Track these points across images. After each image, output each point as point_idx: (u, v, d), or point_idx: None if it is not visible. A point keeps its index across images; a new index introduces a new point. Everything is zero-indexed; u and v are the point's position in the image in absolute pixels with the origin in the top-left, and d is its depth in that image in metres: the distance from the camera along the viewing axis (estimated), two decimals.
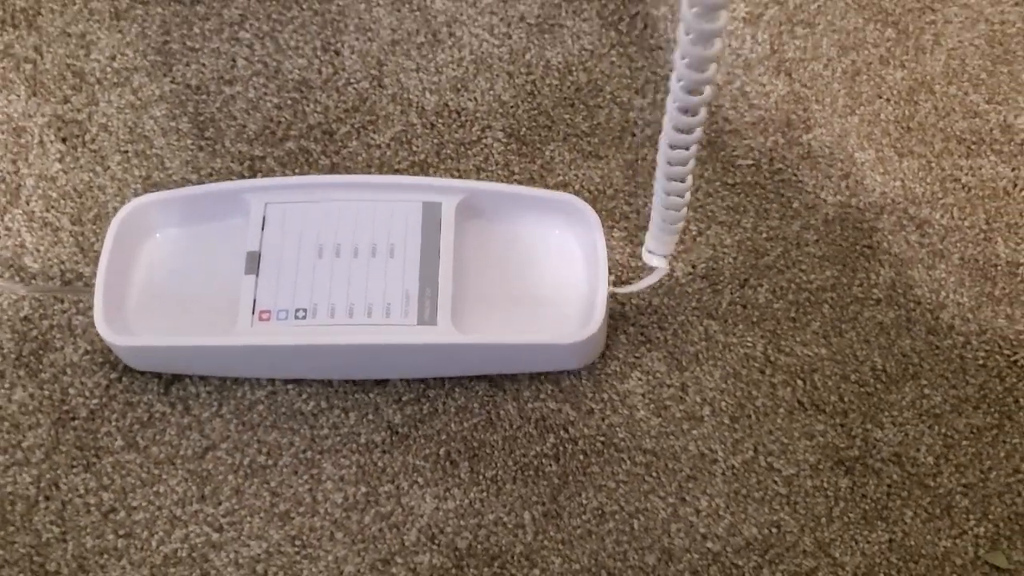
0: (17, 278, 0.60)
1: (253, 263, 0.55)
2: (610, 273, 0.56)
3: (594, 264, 0.56)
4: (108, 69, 0.65)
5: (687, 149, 0.44)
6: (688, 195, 0.47)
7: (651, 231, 0.51)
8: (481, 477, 0.56)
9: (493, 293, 0.57)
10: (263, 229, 0.56)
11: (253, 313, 0.54)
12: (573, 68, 0.66)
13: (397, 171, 0.63)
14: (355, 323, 0.54)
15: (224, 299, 0.56)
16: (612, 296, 0.57)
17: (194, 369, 0.57)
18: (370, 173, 0.62)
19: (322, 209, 0.57)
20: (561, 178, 0.62)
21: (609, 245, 0.61)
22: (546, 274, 0.58)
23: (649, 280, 0.55)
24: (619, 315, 0.59)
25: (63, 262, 0.60)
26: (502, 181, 0.62)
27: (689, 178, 0.46)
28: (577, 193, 0.62)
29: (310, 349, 0.54)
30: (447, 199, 0.57)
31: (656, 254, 0.52)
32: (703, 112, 0.42)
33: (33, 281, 0.59)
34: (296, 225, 0.56)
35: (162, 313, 0.56)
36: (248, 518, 0.54)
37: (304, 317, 0.54)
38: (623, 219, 0.62)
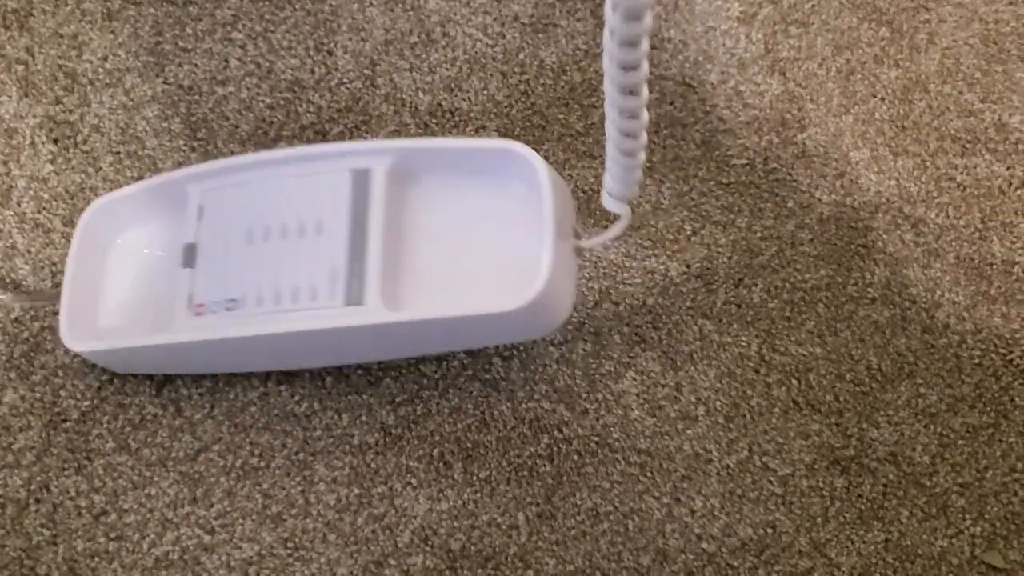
0: (8, 279, 0.59)
1: (190, 255, 0.53)
2: (581, 236, 0.51)
3: (541, 216, 0.49)
4: (100, 70, 0.65)
5: (636, 70, 0.38)
6: (645, 124, 0.42)
7: (608, 172, 0.46)
8: (475, 478, 0.55)
9: (432, 264, 0.52)
10: (200, 219, 0.53)
11: (189, 308, 0.52)
12: (567, 68, 0.65)
13: None
14: (281, 310, 0.50)
15: (165, 298, 0.54)
16: (578, 252, 0.52)
17: (154, 369, 0.56)
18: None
19: (254, 190, 0.53)
20: None
21: (603, 245, 0.60)
22: (491, 235, 0.52)
23: (614, 230, 0.50)
24: (613, 315, 0.59)
25: (54, 264, 0.60)
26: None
27: (644, 104, 0.41)
28: (572, 193, 0.62)
29: (238, 342, 0.50)
30: (377, 163, 0.52)
31: (616, 198, 0.47)
32: (648, 17, 0.36)
33: (24, 283, 0.59)
34: (229, 210, 0.53)
35: (119, 317, 0.55)
36: (240, 520, 0.54)
37: (234, 308, 0.50)
38: (617, 218, 0.61)
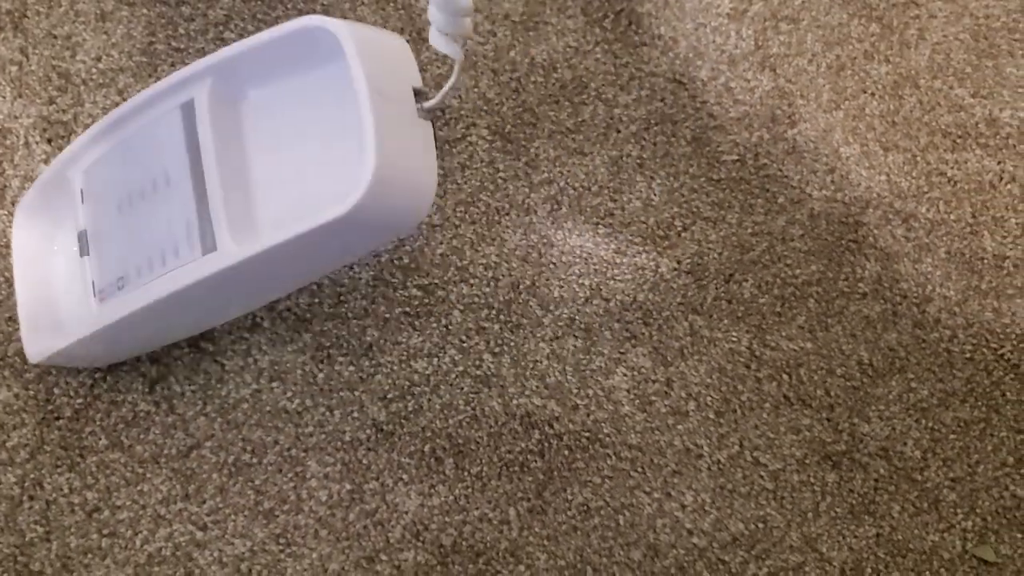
0: (2, 278, 0.60)
1: (84, 243, 0.51)
2: (429, 97, 0.47)
3: (359, 91, 0.44)
4: (94, 70, 0.65)
5: None
6: None
7: (432, 3, 0.42)
8: (466, 473, 0.55)
9: (278, 183, 0.48)
10: (83, 202, 0.50)
11: (94, 295, 0.50)
12: (558, 65, 0.66)
13: None
14: (155, 276, 0.47)
15: (74, 291, 0.52)
16: (425, 115, 0.46)
17: (103, 361, 0.55)
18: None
19: (114, 156, 0.50)
20: (546, 175, 0.62)
21: (593, 242, 0.61)
22: (327, 133, 0.48)
23: (451, 81, 0.45)
24: (604, 311, 0.59)
25: None
26: (487, 181, 0.60)
27: None
28: (562, 190, 0.62)
29: (131, 320, 0.48)
30: (198, 91, 0.47)
31: (446, 34, 0.43)
32: None
33: None
34: (101, 185, 0.50)
35: (55, 319, 0.54)
36: (232, 516, 0.54)
37: (124, 286, 0.48)
38: (607, 215, 0.61)
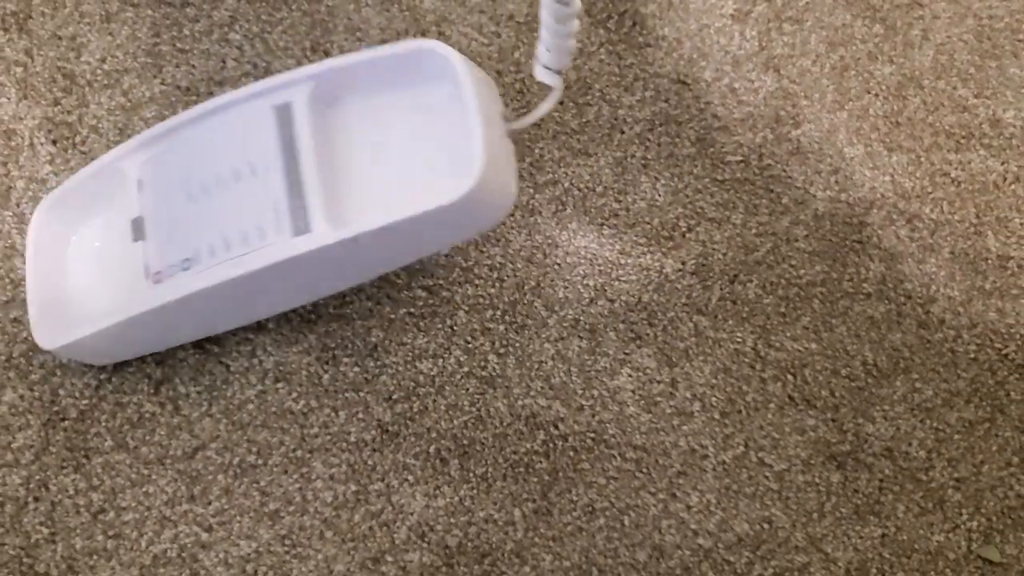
0: (7, 279, 0.60)
1: (139, 228, 0.53)
2: (510, 120, 0.51)
3: (466, 108, 0.50)
4: (98, 71, 0.66)
5: None
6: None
7: (541, 42, 0.47)
8: (471, 474, 0.55)
9: (370, 179, 0.52)
10: (140, 191, 0.53)
11: (147, 278, 0.52)
12: None
13: None
14: (233, 256, 0.50)
15: (122, 275, 0.54)
16: (512, 136, 0.52)
17: (134, 350, 0.56)
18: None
19: (185, 150, 0.53)
20: (550, 175, 0.62)
21: (597, 243, 0.61)
22: (421, 138, 0.53)
23: (546, 105, 0.50)
24: (609, 312, 0.59)
25: None
26: None
27: None
28: (567, 191, 0.62)
29: (202, 296, 0.50)
30: (297, 95, 0.52)
31: (550, 69, 0.48)
32: None
33: (23, 283, 0.59)
34: (165, 175, 0.53)
35: (73, 312, 0.55)
36: (238, 518, 0.54)
37: (189, 267, 0.51)
38: (612, 216, 0.61)
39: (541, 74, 0.48)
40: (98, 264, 0.56)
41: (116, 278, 0.54)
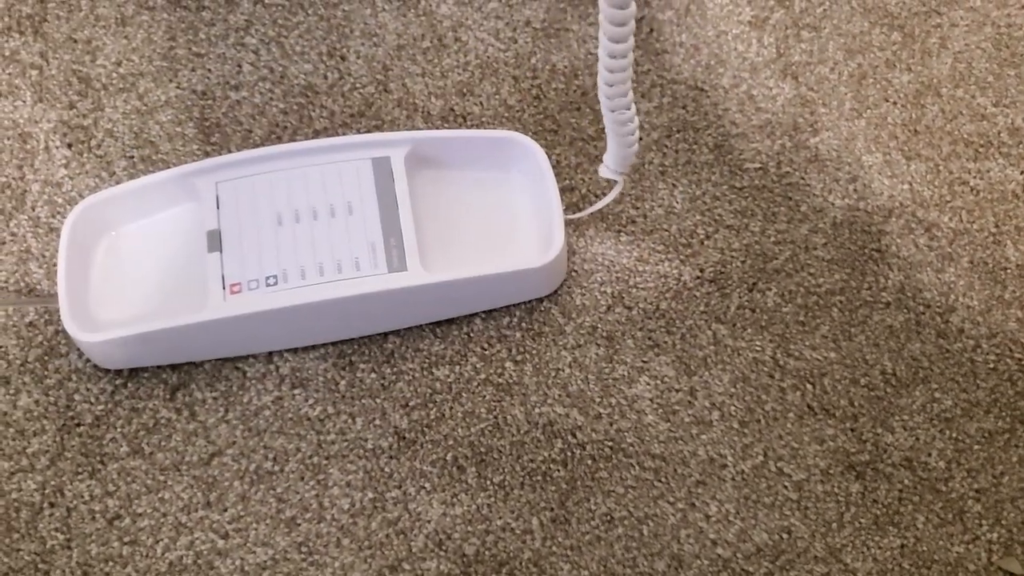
0: (22, 283, 0.59)
1: (215, 241, 0.56)
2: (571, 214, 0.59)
3: (544, 192, 0.58)
4: (114, 75, 0.65)
5: (622, 58, 0.47)
6: (632, 104, 0.50)
7: (609, 146, 0.54)
8: (488, 482, 0.55)
9: (454, 235, 0.59)
10: (218, 208, 0.57)
11: (224, 288, 0.55)
12: (579, 72, 0.65)
13: None
14: (328, 280, 0.55)
15: (191, 281, 0.57)
16: (569, 222, 0.60)
17: (170, 357, 0.57)
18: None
19: (273, 179, 0.58)
20: (567, 182, 0.62)
21: (615, 250, 0.60)
22: (501, 209, 0.60)
23: (607, 198, 0.58)
24: (626, 319, 0.59)
25: None
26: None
27: (629, 86, 0.50)
28: (584, 197, 0.62)
29: (286, 312, 0.54)
30: (394, 152, 0.58)
31: (611, 169, 0.55)
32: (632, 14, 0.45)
33: (38, 287, 0.59)
34: (250, 198, 0.57)
35: (130, 305, 0.57)
36: (254, 525, 0.54)
37: (275, 284, 0.55)
38: (630, 223, 0.61)
39: (605, 172, 0.56)
40: (159, 267, 0.58)
41: (181, 286, 0.57)
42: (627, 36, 0.46)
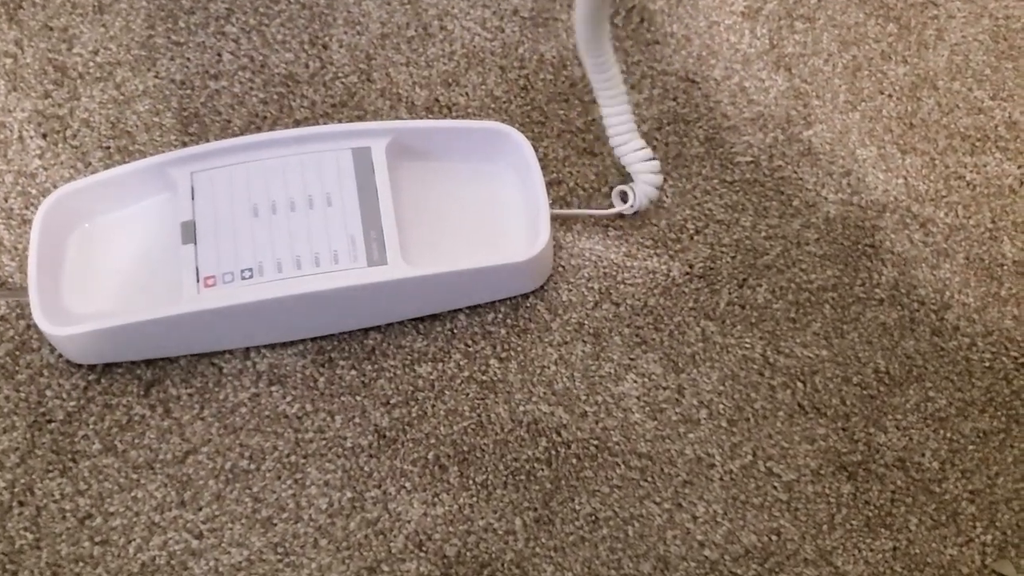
0: None
1: (189, 232, 0.55)
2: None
3: (531, 185, 0.57)
4: (91, 63, 0.64)
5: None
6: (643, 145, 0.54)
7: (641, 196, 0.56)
8: (471, 482, 0.54)
9: (436, 228, 0.57)
10: (193, 198, 0.56)
11: (198, 280, 0.53)
12: (568, 63, 0.64)
13: None
14: (305, 274, 0.53)
15: (165, 274, 0.55)
16: (555, 217, 0.58)
17: (143, 352, 0.55)
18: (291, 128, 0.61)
19: (250, 169, 0.56)
20: (555, 175, 0.61)
21: (603, 245, 0.59)
22: (485, 202, 0.58)
23: (602, 212, 0.58)
24: (614, 316, 0.57)
25: None
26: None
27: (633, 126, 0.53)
28: (572, 191, 0.60)
29: (262, 306, 0.53)
30: (375, 142, 0.57)
31: (632, 203, 0.57)
32: None
33: (10, 280, 0.58)
34: (226, 189, 0.56)
35: (103, 299, 0.56)
36: (229, 524, 0.53)
37: (251, 276, 0.53)
38: (618, 217, 0.60)
39: (619, 205, 0.58)
40: (132, 259, 0.57)
41: (155, 279, 0.56)
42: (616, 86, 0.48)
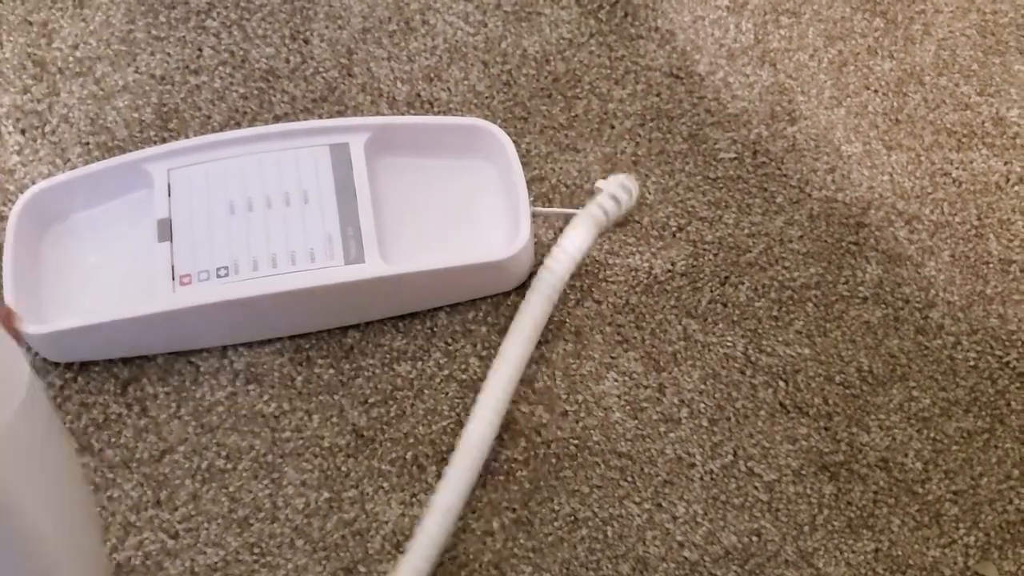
0: None
1: (165, 230, 0.54)
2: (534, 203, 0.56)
3: (512, 182, 0.56)
4: (70, 59, 0.63)
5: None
6: None
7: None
8: None
9: (416, 226, 0.57)
10: (170, 195, 0.55)
11: (173, 279, 0.53)
12: (551, 58, 0.63)
13: None
14: (281, 272, 0.53)
15: (141, 272, 0.55)
16: (536, 214, 0.57)
17: (120, 351, 0.55)
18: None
19: (227, 166, 0.56)
20: (537, 171, 0.60)
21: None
22: (465, 200, 0.58)
23: (572, 212, 0.56)
24: (595, 314, 0.57)
25: None
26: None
27: None
28: (554, 187, 0.60)
29: (237, 305, 0.52)
30: (354, 139, 0.56)
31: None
32: None
33: None
34: (203, 186, 0.55)
35: (78, 297, 0.55)
36: (205, 524, 0.52)
37: (226, 275, 0.53)
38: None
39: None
40: (109, 257, 0.56)
41: (130, 277, 0.55)
42: None
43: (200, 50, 0.63)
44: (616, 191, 0.55)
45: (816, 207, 0.60)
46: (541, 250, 0.58)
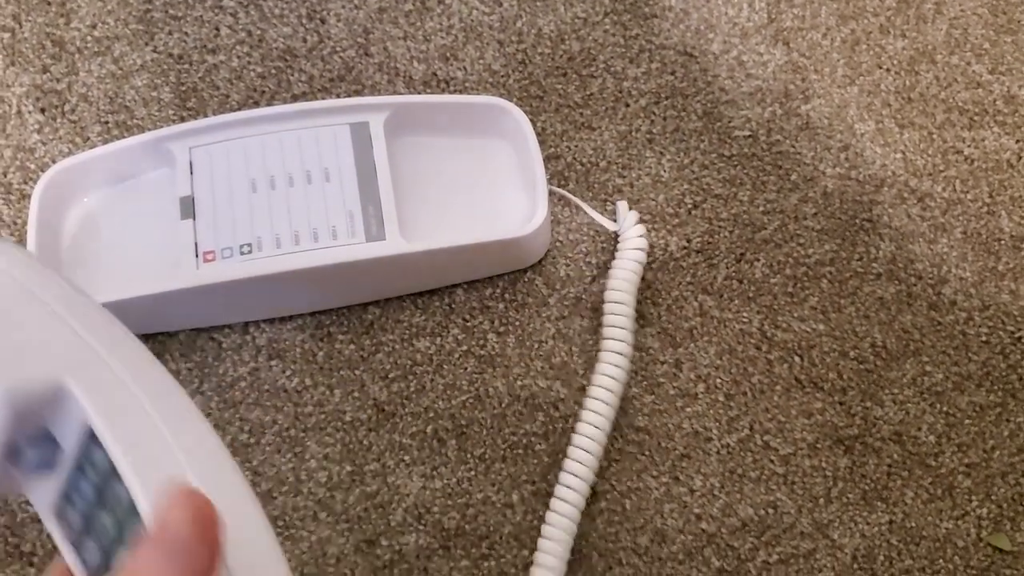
0: None
1: (188, 208, 0.55)
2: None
3: (529, 160, 0.57)
4: (89, 38, 0.64)
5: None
6: None
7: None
8: (469, 456, 0.54)
9: (435, 203, 0.58)
10: (192, 173, 0.56)
11: (197, 256, 0.53)
12: (566, 36, 0.64)
13: None
14: (303, 249, 0.53)
15: (164, 249, 0.55)
16: (553, 192, 0.58)
17: (142, 327, 0.56)
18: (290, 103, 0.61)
19: (248, 145, 0.56)
20: (552, 149, 0.61)
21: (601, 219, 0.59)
22: (483, 178, 0.59)
23: (570, 198, 0.58)
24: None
25: None
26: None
27: None
28: (569, 166, 0.60)
29: (260, 281, 0.53)
30: (373, 118, 0.56)
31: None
32: None
33: None
34: (224, 164, 0.56)
35: (101, 274, 0.56)
36: None
37: (250, 251, 0.53)
38: (616, 192, 0.60)
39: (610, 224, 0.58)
40: (131, 234, 0.57)
41: (154, 254, 0.56)
42: None
43: (217, 29, 0.64)
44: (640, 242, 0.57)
45: (830, 184, 0.60)
46: (557, 229, 0.59)
